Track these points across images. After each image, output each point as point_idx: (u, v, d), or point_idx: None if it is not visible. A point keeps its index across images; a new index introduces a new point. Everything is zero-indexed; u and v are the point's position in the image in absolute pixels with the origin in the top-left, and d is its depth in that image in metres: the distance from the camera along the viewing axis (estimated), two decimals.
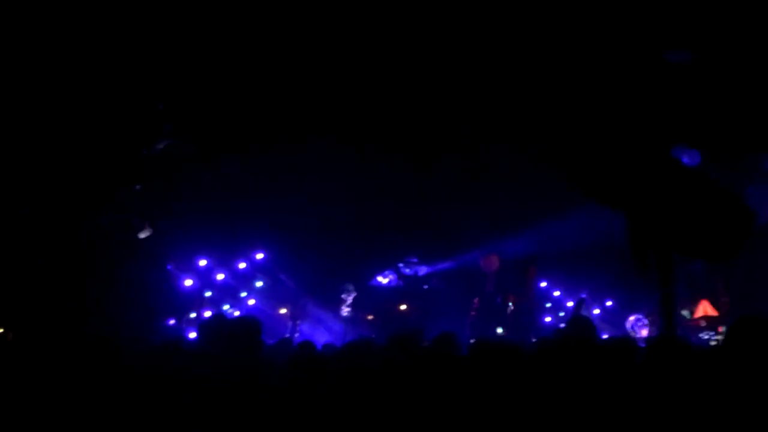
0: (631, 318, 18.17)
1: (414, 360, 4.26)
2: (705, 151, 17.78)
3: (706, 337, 16.40)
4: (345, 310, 19.30)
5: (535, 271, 18.23)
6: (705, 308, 17.28)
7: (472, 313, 18.32)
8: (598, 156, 7.49)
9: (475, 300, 18.46)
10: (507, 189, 18.40)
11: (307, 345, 4.36)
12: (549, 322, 19.29)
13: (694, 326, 17.04)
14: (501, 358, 4.50)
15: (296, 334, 17.16)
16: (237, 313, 17.43)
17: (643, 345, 7.22)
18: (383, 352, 4.45)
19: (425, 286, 20.07)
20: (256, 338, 3.67)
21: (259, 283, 19.33)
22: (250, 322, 3.66)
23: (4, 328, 14.41)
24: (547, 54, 16.40)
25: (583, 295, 18.36)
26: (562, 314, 19.39)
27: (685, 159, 18.07)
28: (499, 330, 17.38)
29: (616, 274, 18.68)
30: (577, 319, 5.52)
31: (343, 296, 19.36)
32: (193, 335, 15.34)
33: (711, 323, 17.03)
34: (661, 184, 6.84)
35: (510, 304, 18.38)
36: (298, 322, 17.65)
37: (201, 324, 3.64)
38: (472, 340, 13.34)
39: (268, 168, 17.76)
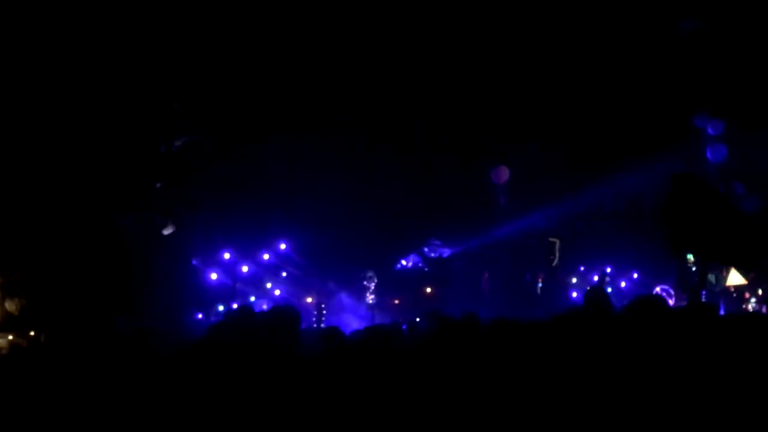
0: (657, 288, 18.12)
1: (446, 334, 4.30)
2: (728, 120, 17.62)
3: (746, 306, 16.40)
4: (370, 297, 19.36)
5: (560, 247, 18.17)
6: (735, 276, 17.20)
7: (484, 286, 18.40)
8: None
9: (485, 275, 18.53)
10: (528, 168, 18.35)
11: (334, 329, 4.38)
12: (576, 297, 19.22)
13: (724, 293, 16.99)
14: (520, 332, 4.55)
15: (322, 323, 17.23)
16: (264, 306, 17.52)
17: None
18: (419, 328, 4.50)
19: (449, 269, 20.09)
20: (296, 328, 3.67)
21: (283, 274, 19.44)
22: (289, 312, 3.63)
23: (36, 331, 14.61)
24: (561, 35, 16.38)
25: (607, 269, 18.32)
26: (588, 288, 19.29)
27: (709, 129, 17.92)
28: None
29: (641, 246, 18.61)
30: (592, 291, 5.53)
31: (365, 283, 19.41)
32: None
33: (739, 291, 16.96)
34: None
35: (539, 281, 18.39)
36: (324, 310, 17.70)
37: (229, 315, 3.62)
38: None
39: (288, 159, 17.81)
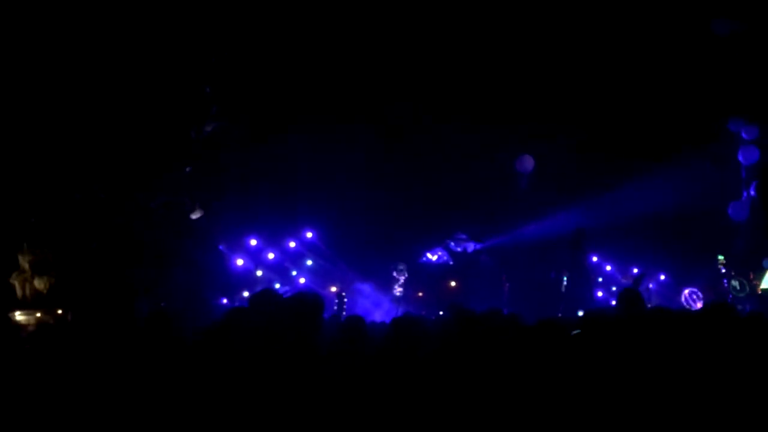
0: (686, 291, 17.94)
1: (467, 329, 4.27)
2: (762, 125, 17.40)
3: None
4: (398, 290, 19.35)
5: (585, 243, 17.96)
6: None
7: (506, 285, 18.32)
8: None
9: (503, 276, 18.48)
10: (554, 165, 18.23)
11: (357, 318, 4.36)
12: (601, 297, 19.07)
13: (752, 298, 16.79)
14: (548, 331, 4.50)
15: (343, 312, 17.26)
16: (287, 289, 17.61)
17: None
18: (440, 324, 4.46)
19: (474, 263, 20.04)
20: (319, 315, 3.62)
21: (309, 262, 19.51)
22: (313, 298, 3.58)
23: (63, 309, 14.81)
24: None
25: (642, 271, 18.17)
26: (614, 288, 19.16)
27: (743, 133, 17.70)
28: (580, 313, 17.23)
29: (670, 247, 18.44)
30: (626, 292, 5.43)
31: (395, 275, 19.40)
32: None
33: None
34: None
35: (564, 279, 18.23)
36: (345, 299, 17.75)
37: (253, 298, 3.60)
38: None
39: (316, 148, 17.83)
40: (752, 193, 17.28)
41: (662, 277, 19.30)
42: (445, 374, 3.91)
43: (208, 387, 3.58)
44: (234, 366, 3.53)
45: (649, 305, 5.32)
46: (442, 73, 17.53)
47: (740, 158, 17.55)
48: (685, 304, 17.68)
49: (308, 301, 3.55)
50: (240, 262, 18.12)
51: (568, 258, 17.91)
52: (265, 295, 3.85)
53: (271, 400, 3.36)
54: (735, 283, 17.16)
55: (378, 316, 16.50)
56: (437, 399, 3.71)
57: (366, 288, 19.45)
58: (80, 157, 15.25)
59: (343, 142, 17.86)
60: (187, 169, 16.84)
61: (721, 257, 17.93)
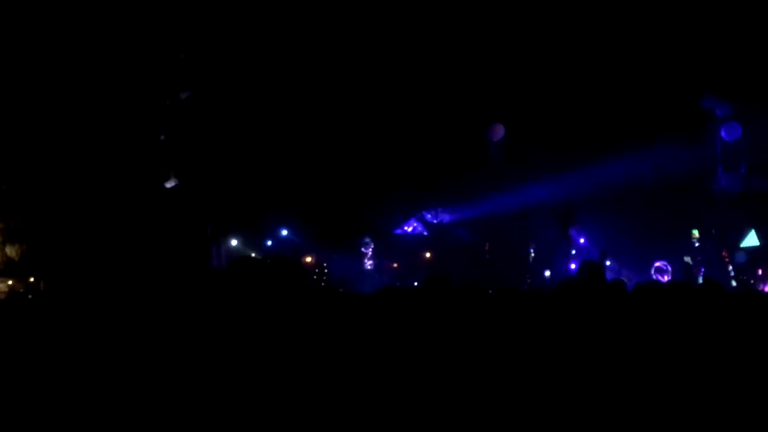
0: (656, 264, 18.17)
1: (446, 301, 4.31)
2: (737, 103, 17.49)
3: None
4: (368, 263, 19.35)
5: (574, 221, 18.08)
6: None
7: (486, 257, 18.43)
8: None
9: (486, 245, 18.56)
10: (534, 140, 18.23)
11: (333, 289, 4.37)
12: (574, 269, 19.24)
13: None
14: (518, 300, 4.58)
15: (323, 282, 17.27)
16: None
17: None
18: (418, 294, 4.49)
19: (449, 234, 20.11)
20: (303, 282, 3.61)
21: (284, 232, 19.42)
22: (296, 265, 3.55)
23: (35, 278, 14.71)
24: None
25: (604, 247, 18.39)
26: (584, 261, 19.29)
27: (717, 111, 17.77)
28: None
29: (641, 222, 18.62)
30: (587, 262, 5.57)
31: (363, 249, 19.38)
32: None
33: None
34: None
35: (531, 251, 18.40)
36: (326, 269, 17.74)
37: (233, 264, 3.57)
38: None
39: (289, 115, 17.67)
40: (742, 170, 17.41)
41: (632, 250, 19.42)
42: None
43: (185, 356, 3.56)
44: (218, 331, 3.51)
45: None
46: (414, 39, 17.36)
47: (722, 134, 17.58)
48: (654, 276, 17.91)
49: (292, 267, 3.54)
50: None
51: (551, 232, 18.04)
52: (246, 261, 3.82)
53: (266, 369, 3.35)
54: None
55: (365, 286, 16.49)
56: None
57: (342, 260, 19.42)
58: (54, 123, 15.05)
59: (313, 110, 17.65)
60: (162, 138, 16.69)
61: (695, 231, 18.16)
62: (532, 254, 18.36)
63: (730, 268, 17.07)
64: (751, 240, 17.47)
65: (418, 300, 4.09)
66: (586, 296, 4.67)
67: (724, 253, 17.33)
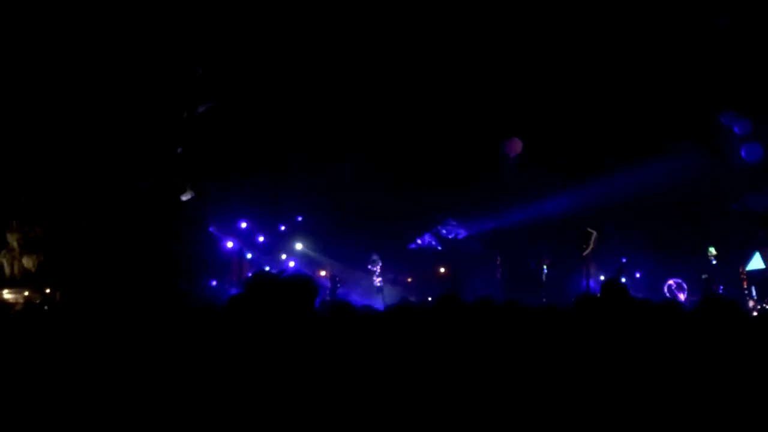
0: (670, 281, 18.05)
1: (459, 318, 4.31)
2: (756, 120, 17.35)
3: None
4: (377, 281, 19.25)
5: (596, 239, 17.95)
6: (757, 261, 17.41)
7: (498, 270, 18.39)
8: None
9: (498, 259, 18.51)
10: (546, 153, 18.22)
11: (345, 303, 4.38)
12: (592, 286, 19.13)
13: None
14: (535, 318, 4.56)
15: (336, 295, 17.27)
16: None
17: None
18: (430, 311, 4.49)
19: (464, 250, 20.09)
20: (312, 300, 3.61)
21: (298, 246, 19.50)
22: (308, 282, 3.55)
23: (51, 288, 14.80)
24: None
25: (623, 260, 18.26)
26: (602, 278, 19.23)
27: (735, 128, 17.59)
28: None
29: (656, 238, 18.52)
30: (611, 282, 5.50)
31: (369, 267, 19.30)
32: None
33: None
34: None
35: (544, 267, 18.31)
36: (338, 284, 17.73)
37: (247, 281, 3.60)
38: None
39: (308, 132, 17.77)
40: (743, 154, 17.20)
41: (637, 275, 19.31)
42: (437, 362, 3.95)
43: (210, 375, 3.58)
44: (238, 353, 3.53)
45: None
46: (429, 59, 17.43)
47: (743, 154, 17.30)
48: (667, 294, 17.77)
49: (305, 283, 3.55)
50: (230, 244, 18.13)
51: (567, 249, 17.96)
52: (259, 277, 3.85)
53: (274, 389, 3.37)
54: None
55: (368, 301, 16.51)
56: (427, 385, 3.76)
57: (356, 274, 19.43)
58: (71, 135, 15.19)
59: (334, 126, 17.78)
60: (179, 150, 16.80)
61: (712, 249, 17.99)
62: (546, 270, 18.27)
63: (745, 285, 16.94)
64: (756, 263, 17.32)
65: (430, 321, 4.11)
66: (612, 316, 4.62)
67: (741, 270, 17.20)
